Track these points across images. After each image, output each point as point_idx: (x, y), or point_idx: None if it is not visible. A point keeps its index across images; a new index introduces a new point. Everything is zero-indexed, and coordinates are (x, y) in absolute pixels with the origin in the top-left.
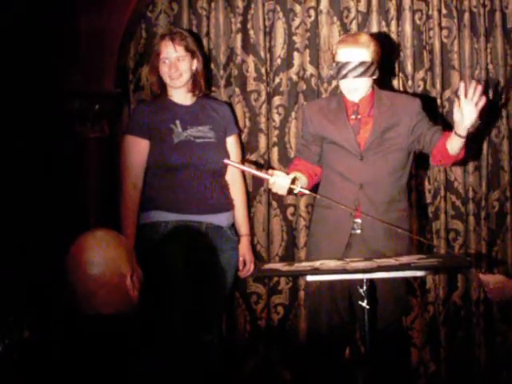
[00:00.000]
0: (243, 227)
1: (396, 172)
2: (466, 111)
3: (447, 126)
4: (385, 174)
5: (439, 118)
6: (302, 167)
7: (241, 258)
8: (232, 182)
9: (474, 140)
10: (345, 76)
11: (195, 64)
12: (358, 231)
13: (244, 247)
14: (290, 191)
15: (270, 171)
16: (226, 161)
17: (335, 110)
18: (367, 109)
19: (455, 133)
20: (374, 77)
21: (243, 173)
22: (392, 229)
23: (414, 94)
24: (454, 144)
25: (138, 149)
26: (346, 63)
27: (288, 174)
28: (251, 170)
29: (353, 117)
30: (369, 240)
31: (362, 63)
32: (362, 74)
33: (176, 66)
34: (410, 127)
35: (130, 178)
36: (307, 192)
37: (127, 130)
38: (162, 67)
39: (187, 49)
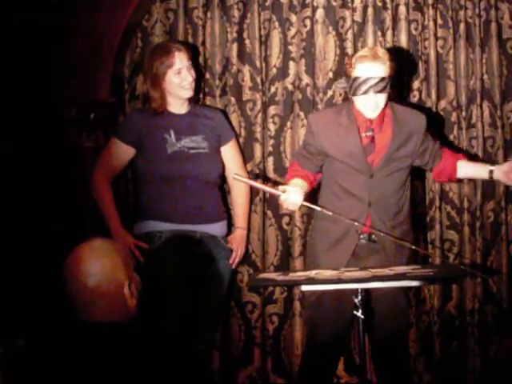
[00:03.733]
0: (239, 220)
1: (401, 188)
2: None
3: (442, 135)
4: (392, 191)
5: (434, 128)
6: (301, 173)
7: (230, 246)
8: (233, 183)
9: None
10: (366, 92)
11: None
12: (363, 242)
13: (235, 236)
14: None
15: (282, 187)
16: (235, 176)
17: (346, 125)
18: (379, 125)
19: (489, 173)
20: (389, 92)
21: (247, 174)
22: (398, 239)
23: (411, 105)
24: (472, 175)
25: (119, 152)
26: (367, 79)
27: (288, 179)
28: (262, 186)
29: (367, 134)
30: (374, 251)
31: (382, 79)
32: (382, 90)
33: (192, 75)
34: (417, 145)
35: (102, 171)
36: (319, 208)
37: (115, 132)
38: (173, 79)
39: (191, 58)
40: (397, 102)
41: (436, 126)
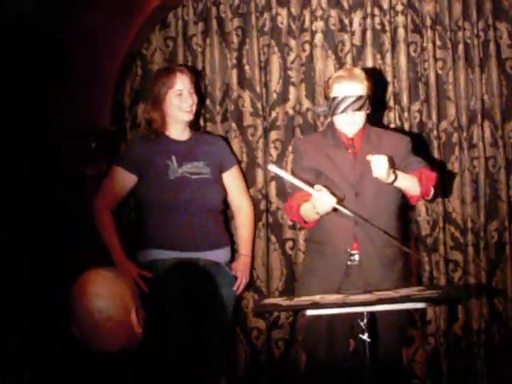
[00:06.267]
0: (243, 247)
1: (391, 206)
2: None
3: (444, 157)
4: (379, 209)
5: (435, 149)
6: (308, 197)
7: (234, 273)
8: (237, 209)
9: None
10: (345, 110)
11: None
12: (355, 263)
13: (239, 263)
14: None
15: (318, 186)
16: (270, 167)
17: (333, 144)
18: (359, 144)
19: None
20: (368, 111)
21: (251, 199)
22: (389, 260)
23: (410, 127)
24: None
25: (121, 180)
26: (345, 98)
27: (298, 210)
28: (297, 182)
29: (349, 150)
30: (366, 272)
31: (360, 97)
32: (360, 108)
33: (192, 98)
34: (396, 165)
35: (105, 200)
36: (349, 213)
37: (117, 160)
38: (173, 100)
39: (194, 83)
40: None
41: (437, 147)
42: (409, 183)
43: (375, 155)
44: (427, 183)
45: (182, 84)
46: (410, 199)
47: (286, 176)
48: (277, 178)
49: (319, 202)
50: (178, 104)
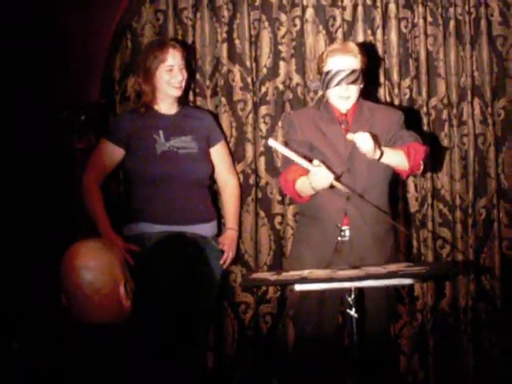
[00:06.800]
0: (230, 221)
1: (381, 182)
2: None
3: (433, 133)
4: (371, 184)
5: (425, 126)
6: (302, 171)
7: (221, 247)
8: (223, 185)
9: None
10: (338, 83)
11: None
12: (346, 238)
13: (226, 237)
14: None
15: (316, 162)
16: (269, 141)
17: (326, 118)
18: (352, 119)
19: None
20: (361, 86)
21: (237, 174)
22: (380, 237)
23: (400, 103)
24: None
25: (109, 153)
26: (339, 71)
27: (293, 184)
28: (296, 157)
29: (342, 126)
30: (356, 247)
31: (353, 71)
32: (354, 82)
33: (182, 74)
34: (387, 139)
35: (92, 173)
36: (346, 190)
37: (105, 133)
38: (163, 75)
39: (185, 58)
40: (386, 102)
41: (427, 124)
42: (397, 158)
43: (357, 133)
44: (415, 157)
45: (173, 59)
46: (401, 174)
47: (286, 151)
48: (266, 152)
49: (317, 178)
50: (168, 79)
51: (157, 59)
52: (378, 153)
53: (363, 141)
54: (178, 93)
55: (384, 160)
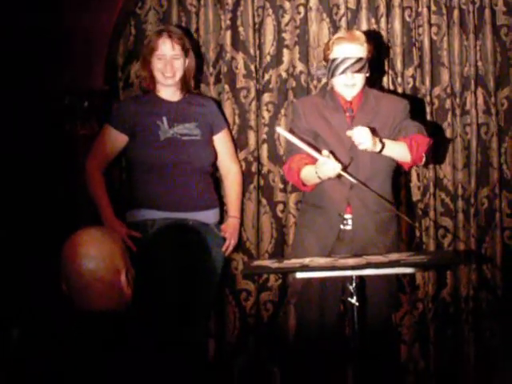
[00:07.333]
0: (232, 209)
1: (384, 171)
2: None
3: (436, 122)
4: (374, 173)
5: (428, 115)
6: (308, 160)
7: (223, 234)
8: (226, 172)
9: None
10: (344, 71)
11: (187, 62)
12: (348, 227)
13: (228, 225)
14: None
15: (325, 152)
16: (278, 129)
17: (331, 106)
18: (357, 107)
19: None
20: (367, 74)
21: (239, 162)
22: (382, 226)
23: (403, 92)
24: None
25: (112, 140)
26: (345, 59)
27: (298, 174)
28: (304, 146)
29: (347, 114)
30: (359, 236)
31: (359, 59)
32: (360, 70)
33: (171, 65)
34: (392, 128)
35: (95, 160)
36: (354, 181)
37: (108, 120)
38: (156, 64)
39: (184, 48)
40: (390, 90)
41: (430, 113)
42: (399, 151)
43: (354, 128)
44: (418, 149)
45: (164, 49)
46: (403, 166)
47: (293, 139)
48: (268, 140)
49: (324, 167)
50: (160, 68)
51: (150, 47)
52: (379, 146)
53: (361, 138)
54: (169, 82)
55: (385, 153)
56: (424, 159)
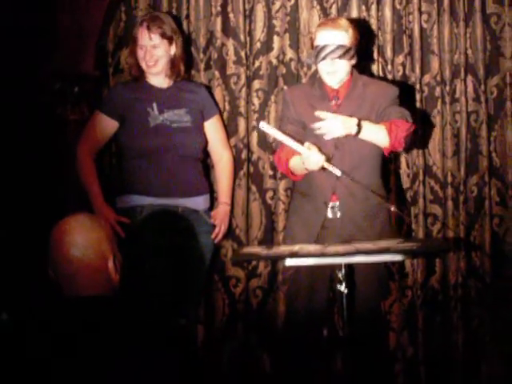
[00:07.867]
0: (222, 195)
1: (372, 159)
2: None
3: (426, 110)
4: (360, 161)
5: (418, 103)
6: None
7: (213, 221)
8: (217, 159)
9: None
10: (324, 58)
11: (173, 49)
12: (337, 215)
13: (219, 211)
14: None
15: (308, 144)
16: (261, 125)
17: (318, 95)
18: (344, 95)
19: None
20: (353, 62)
21: (231, 148)
22: (370, 214)
23: (393, 80)
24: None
25: (103, 125)
26: (325, 46)
27: (286, 164)
28: (287, 140)
29: (333, 102)
30: (346, 224)
31: (340, 46)
32: (340, 57)
33: (151, 54)
34: (378, 113)
35: (86, 145)
36: (339, 173)
37: (99, 105)
38: (138, 52)
39: (164, 36)
40: (380, 77)
41: (419, 100)
42: (377, 134)
43: (320, 122)
44: (397, 134)
45: (143, 38)
46: (383, 151)
47: (276, 134)
48: (258, 127)
49: (308, 160)
50: (142, 57)
51: (133, 36)
52: (355, 129)
53: (330, 124)
54: (152, 70)
55: (362, 136)
56: (404, 145)
